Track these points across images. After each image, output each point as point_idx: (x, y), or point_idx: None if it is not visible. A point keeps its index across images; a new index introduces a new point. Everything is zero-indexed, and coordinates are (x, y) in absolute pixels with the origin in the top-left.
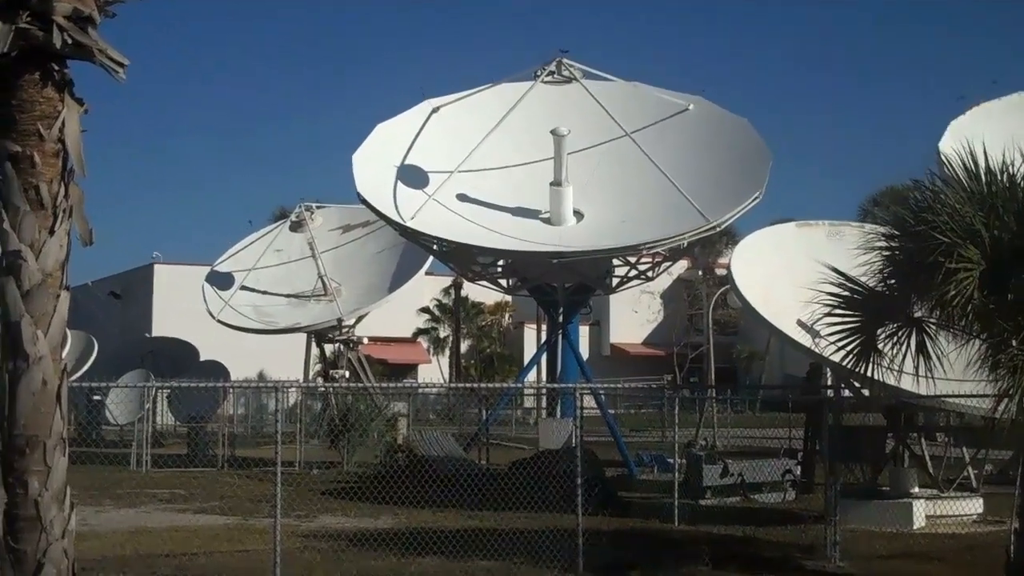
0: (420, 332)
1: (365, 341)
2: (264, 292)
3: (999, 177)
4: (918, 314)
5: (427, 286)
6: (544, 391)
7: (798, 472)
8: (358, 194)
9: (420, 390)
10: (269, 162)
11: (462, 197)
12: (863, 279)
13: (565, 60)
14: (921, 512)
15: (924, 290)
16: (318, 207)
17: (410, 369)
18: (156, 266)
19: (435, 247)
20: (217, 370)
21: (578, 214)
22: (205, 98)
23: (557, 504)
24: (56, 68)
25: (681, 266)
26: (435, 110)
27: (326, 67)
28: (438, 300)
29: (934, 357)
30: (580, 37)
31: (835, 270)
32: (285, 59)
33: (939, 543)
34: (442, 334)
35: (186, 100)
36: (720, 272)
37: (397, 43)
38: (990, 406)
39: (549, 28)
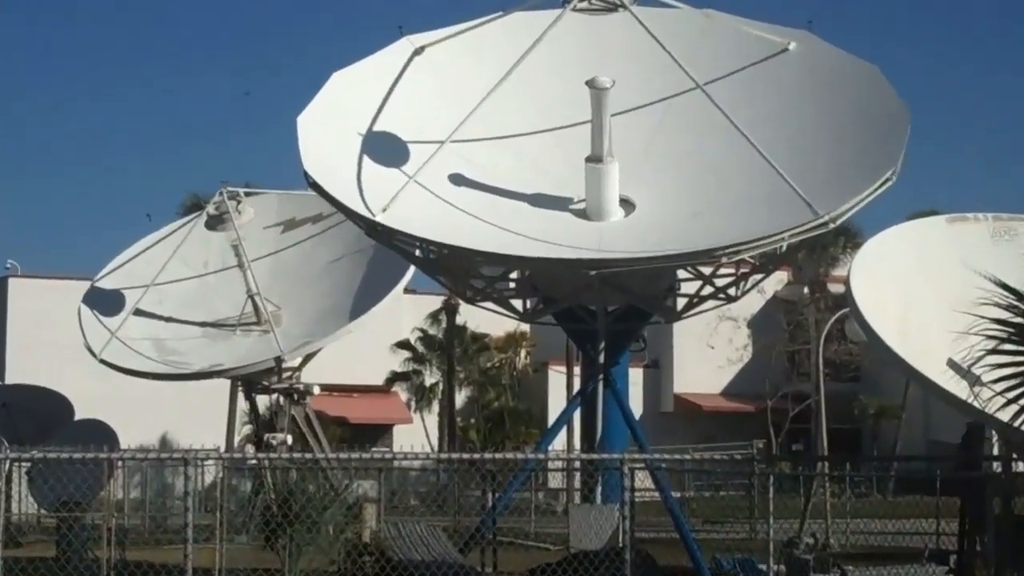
0: (397, 378)
1: (316, 391)
2: (169, 319)
3: None
4: None
5: (407, 311)
6: (577, 465)
7: None
8: (305, 174)
9: (396, 463)
10: (176, 128)
11: (457, 179)
12: None
13: None
14: None
15: None
16: (248, 194)
17: (382, 432)
18: (11, 281)
19: (418, 253)
20: (100, 433)
21: (627, 204)
22: (77, 38)
23: None
24: None
25: (778, 281)
26: (418, 51)
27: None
28: (422, 331)
29: None
30: None
31: (1003, 285)
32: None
33: None
34: (428, 380)
35: (47, 44)
36: (835, 289)
37: None
38: None
39: None
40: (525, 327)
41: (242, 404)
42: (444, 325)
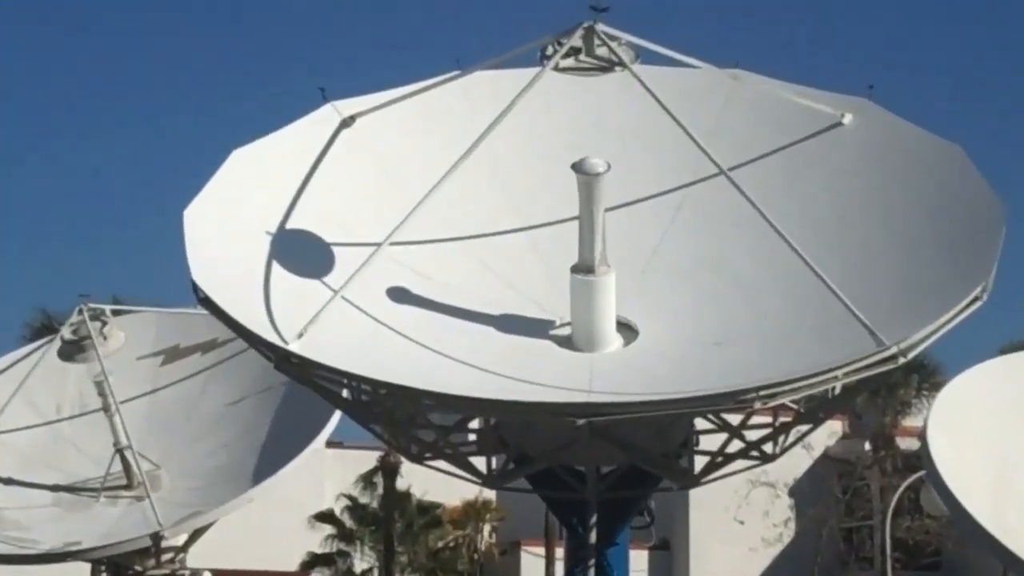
0: (316, 561)
1: None
2: (8, 481)
3: None
4: None
5: (331, 472)
6: None
7: None
8: (193, 287)
9: None
10: (21, 225)
11: (399, 294)
12: None
13: (601, 27)
14: None
15: None
16: (116, 313)
17: None
18: None
19: (346, 393)
20: None
21: (627, 329)
22: None
23: None
24: None
25: (830, 434)
26: (347, 122)
27: (145, 47)
28: (351, 499)
29: None
30: None
31: None
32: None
33: None
34: (359, 565)
35: None
36: (907, 446)
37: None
38: None
39: None
40: (490, 494)
41: None
42: (381, 491)
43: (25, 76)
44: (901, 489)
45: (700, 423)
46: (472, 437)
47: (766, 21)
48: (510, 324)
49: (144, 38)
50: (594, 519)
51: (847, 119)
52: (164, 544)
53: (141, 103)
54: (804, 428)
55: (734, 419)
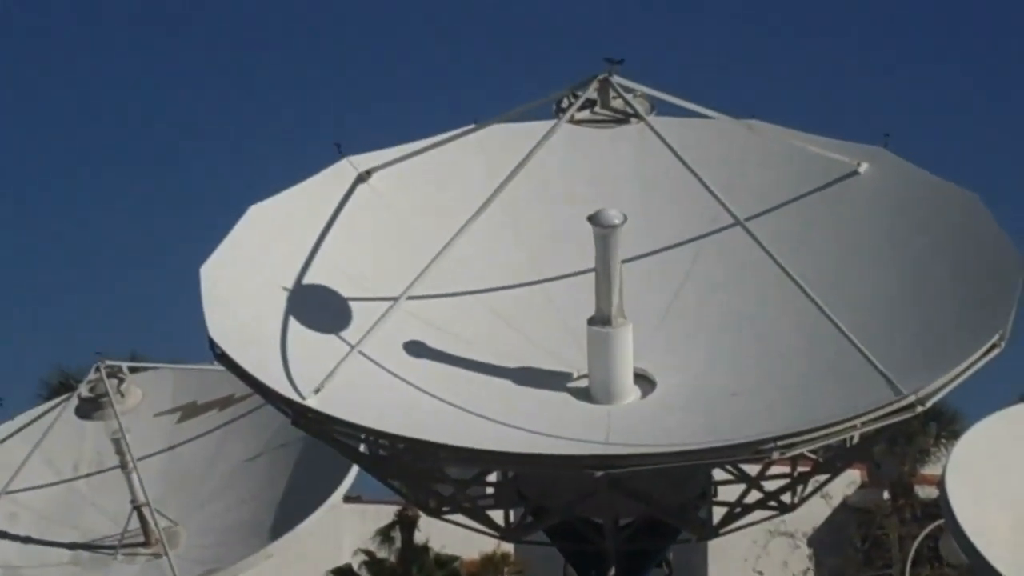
0: None
1: None
2: (26, 539)
3: None
4: None
5: (349, 526)
6: None
7: None
8: (210, 343)
9: None
10: (37, 282)
11: (415, 348)
12: None
13: (616, 79)
14: None
15: None
16: (133, 370)
17: None
18: None
19: (363, 448)
20: None
21: (644, 380)
22: None
23: None
24: None
25: (849, 483)
26: (362, 177)
27: (153, 102)
28: (369, 554)
29: None
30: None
31: None
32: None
33: None
34: None
35: None
36: (926, 494)
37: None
38: None
39: (575, 27)
40: (508, 547)
41: None
42: (399, 545)
43: (43, 131)
44: (920, 538)
45: (718, 474)
46: (490, 490)
47: (782, 71)
48: (527, 377)
49: (160, 92)
50: (612, 572)
51: (863, 168)
52: None
53: (157, 158)
54: (823, 478)
55: (752, 469)
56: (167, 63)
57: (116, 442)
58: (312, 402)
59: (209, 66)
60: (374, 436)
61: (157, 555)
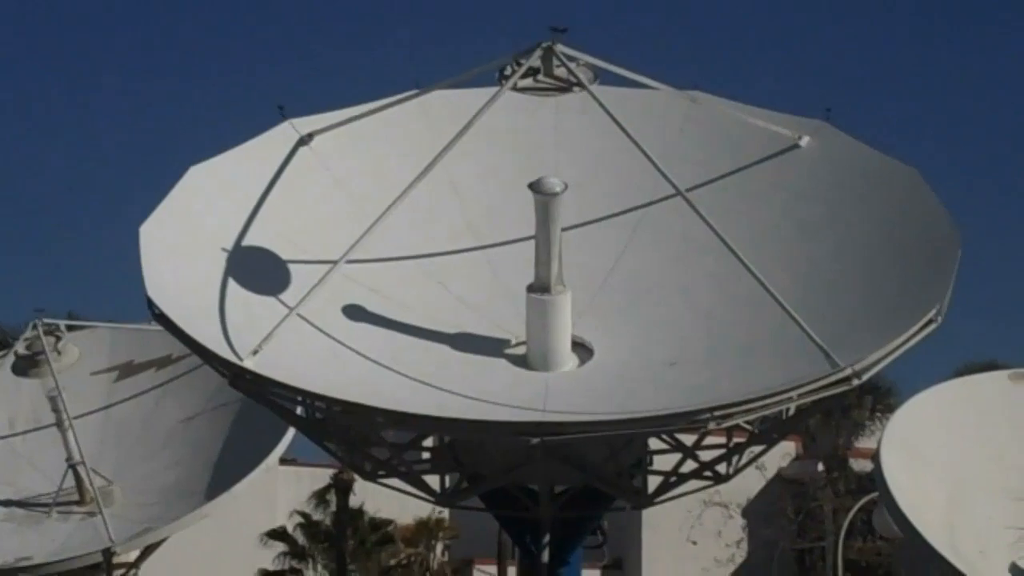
0: None
1: None
2: None
3: None
4: None
5: (284, 488)
6: None
7: None
8: (148, 303)
9: None
10: None
11: (354, 312)
12: None
13: (560, 47)
14: None
15: None
16: (71, 328)
17: None
18: None
19: (300, 410)
20: None
21: (582, 349)
22: None
23: None
24: None
25: (783, 455)
26: (304, 139)
27: (97, 62)
28: (304, 516)
29: None
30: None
31: None
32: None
33: None
34: None
35: None
36: (860, 467)
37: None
38: None
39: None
40: (443, 512)
41: None
42: (334, 508)
43: None
44: (854, 511)
45: (654, 443)
46: (426, 455)
47: (726, 43)
48: (465, 343)
49: (105, 50)
50: (547, 538)
51: (804, 141)
52: (116, 560)
53: (100, 117)
54: (758, 449)
55: (688, 439)
56: (108, 21)
57: (52, 400)
58: (249, 364)
59: (152, 25)
60: (311, 399)
61: (91, 513)
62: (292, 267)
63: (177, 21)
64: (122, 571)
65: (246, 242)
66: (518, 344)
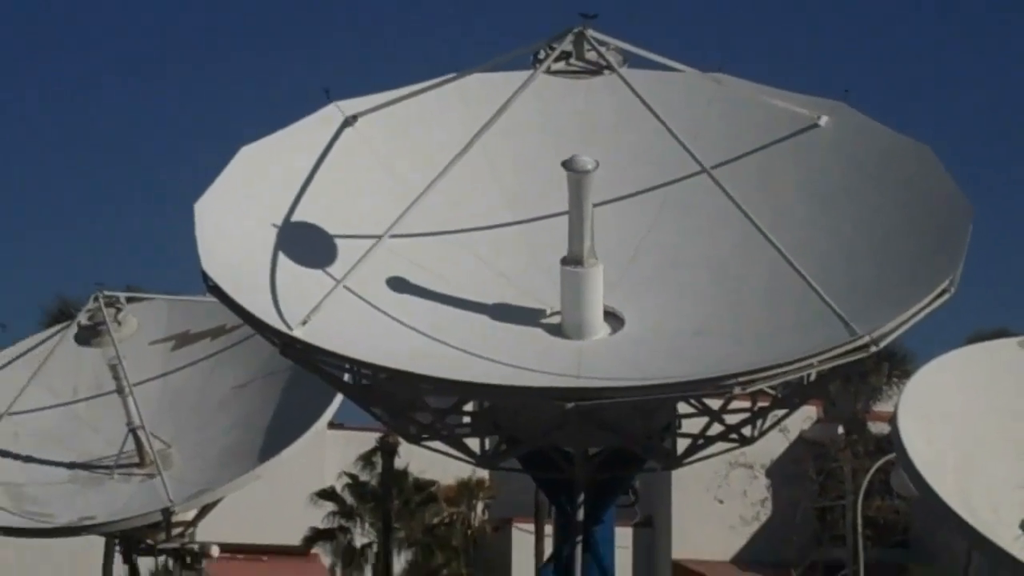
0: (318, 537)
1: (216, 553)
2: (27, 459)
3: None
4: None
5: (332, 451)
6: None
7: None
8: (203, 276)
9: None
10: (41, 217)
11: (398, 284)
12: None
13: (591, 32)
14: None
15: None
16: (130, 300)
17: None
18: None
19: (347, 377)
20: None
21: (613, 318)
22: None
23: None
24: None
25: (805, 418)
26: (349, 121)
27: (151, 48)
28: (352, 477)
29: None
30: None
31: None
32: (76, 46)
33: None
34: (359, 540)
35: None
36: (878, 430)
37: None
38: None
39: None
40: (483, 474)
41: (119, 568)
42: (379, 470)
43: (44, 74)
44: (872, 471)
45: (682, 407)
46: (467, 420)
47: (751, 27)
48: (503, 313)
49: (158, 36)
50: (581, 498)
51: (823, 121)
52: (174, 519)
53: (162, 101)
54: (780, 413)
55: (715, 404)
56: (174, 9)
57: (113, 368)
58: (299, 333)
59: (210, 10)
60: (358, 366)
61: (151, 475)
62: (338, 242)
63: (238, 10)
64: (180, 529)
65: (295, 218)
66: (553, 314)
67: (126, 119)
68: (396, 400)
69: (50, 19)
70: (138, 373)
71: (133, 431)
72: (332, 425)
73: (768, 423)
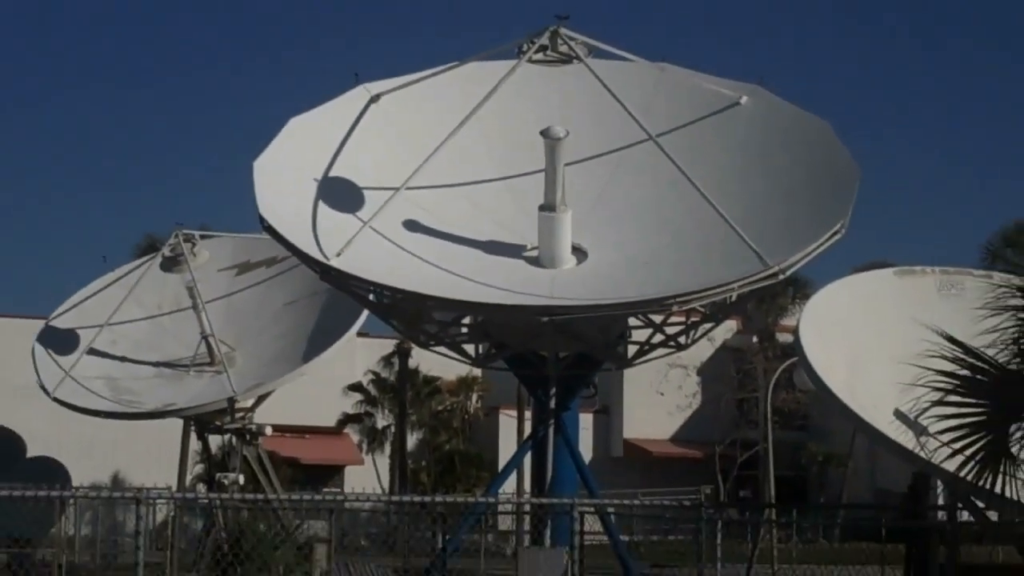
0: (349, 420)
1: (269, 432)
2: (123, 359)
3: None
4: None
5: (360, 354)
6: (527, 508)
7: None
8: (260, 218)
9: (348, 504)
10: (133, 172)
11: (412, 225)
12: (990, 352)
13: (563, 30)
14: None
15: None
16: (203, 237)
17: (334, 473)
18: None
19: (371, 297)
20: (52, 471)
21: (579, 252)
22: (37, 85)
23: None
24: None
25: (728, 329)
26: (374, 99)
27: (214, 40)
28: (375, 374)
29: None
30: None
31: (950, 338)
32: (153, 33)
33: None
34: (381, 423)
35: (11, 90)
36: (784, 339)
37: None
38: None
39: None
40: (477, 371)
41: (194, 444)
42: (396, 368)
43: (127, 45)
44: (779, 371)
45: (632, 321)
46: (464, 330)
47: (689, 25)
48: (493, 248)
49: (236, 27)
50: (553, 391)
51: (744, 100)
52: (237, 406)
53: (228, 83)
54: (708, 325)
55: (657, 318)
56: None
57: (189, 289)
58: (335, 263)
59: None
60: (380, 288)
61: (219, 372)
62: (366, 192)
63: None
64: (241, 414)
65: (331, 173)
66: (532, 249)
67: (201, 99)
68: (409, 314)
69: None
70: (209, 293)
71: (205, 338)
72: (360, 334)
73: (699, 333)
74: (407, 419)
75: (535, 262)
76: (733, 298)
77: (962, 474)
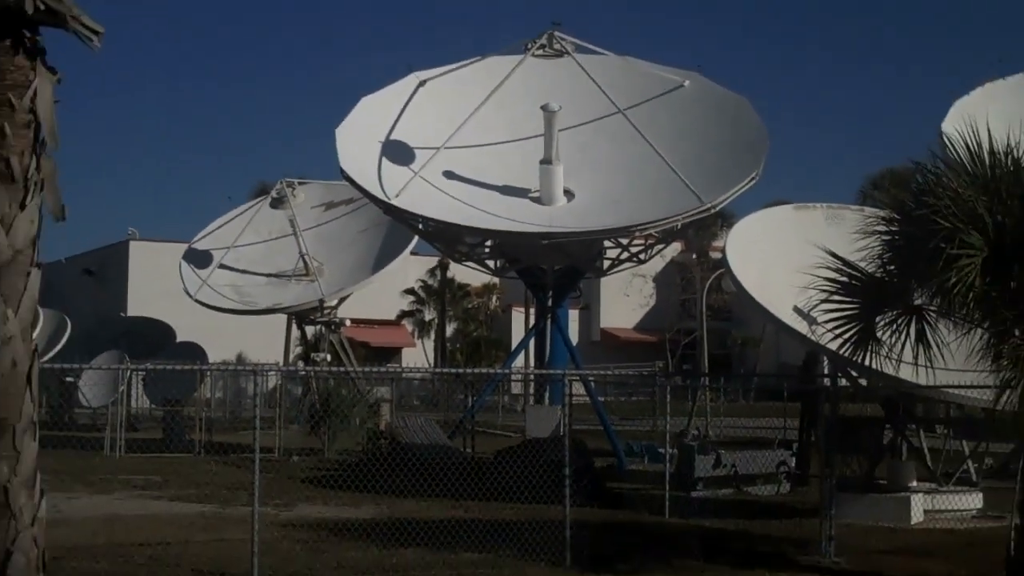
0: (404, 314)
1: (347, 323)
2: (243, 271)
3: (1003, 160)
4: (918, 301)
5: (412, 267)
6: (532, 377)
7: (793, 464)
8: (341, 170)
9: (404, 375)
10: (250, 137)
11: (449, 175)
12: (862, 264)
13: (557, 33)
14: (919, 507)
15: (924, 277)
16: (300, 183)
17: (394, 353)
18: (131, 243)
19: (420, 226)
20: (194, 352)
21: (569, 194)
22: (183, 71)
23: (544, 494)
24: (28, 35)
25: (674, 249)
26: (422, 83)
27: (309, 41)
28: (423, 281)
29: (934, 346)
30: (574, 10)
31: (833, 255)
32: (266, 33)
33: (937, 539)
34: (427, 317)
35: (163, 74)
36: (715, 256)
37: (383, 13)
38: (991, 397)
39: (541, 1)
40: (496, 280)
41: (295, 332)
42: (438, 278)
43: (243, 22)
44: (711, 279)
45: (607, 243)
46: (487, 249)
47: (647, 28)
48: (509, 190)
49: (322, 25)
50: (550, 293)
51: (687, 83)
52: (325, 305)
53: (318, 73)
54: (661, 246)
55: (625, 241)
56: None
57: (291, 221)
58: (395, 202)
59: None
60: (427, 220)
61: (312, 280)
62: (416, 151)
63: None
64: (328, 311)
65: (392, 137)
66: (535, 191)
67: (300, 86)
68: (448, 238)
69: None
70: (305, 223)
71: (302, 256)
72: (413, 253)
73: (654, 252)
74: (446, 314)
75: (537, 201)
76: (678, 227)
77: (841, 352)
